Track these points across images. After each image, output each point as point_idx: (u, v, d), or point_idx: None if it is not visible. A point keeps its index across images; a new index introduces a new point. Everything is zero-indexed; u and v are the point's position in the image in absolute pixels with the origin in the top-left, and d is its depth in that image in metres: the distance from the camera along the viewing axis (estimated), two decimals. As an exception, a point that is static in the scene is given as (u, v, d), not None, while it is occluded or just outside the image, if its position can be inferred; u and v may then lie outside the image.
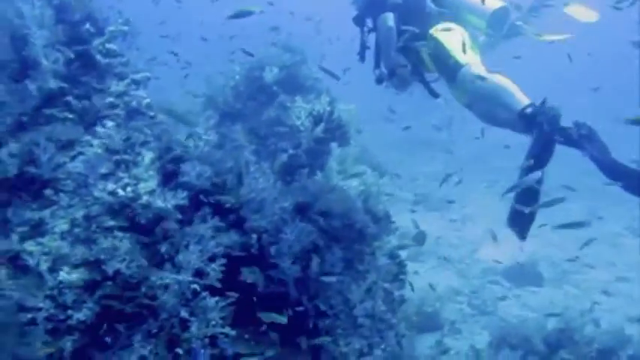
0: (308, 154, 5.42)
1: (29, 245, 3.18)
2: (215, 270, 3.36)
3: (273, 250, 3.73)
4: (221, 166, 3.90)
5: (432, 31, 3.78)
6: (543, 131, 2.97)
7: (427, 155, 17.23)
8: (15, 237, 3.24)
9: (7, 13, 4.22)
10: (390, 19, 3.91)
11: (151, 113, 4.25)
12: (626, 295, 8.50)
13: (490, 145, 12.95)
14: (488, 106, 3.42)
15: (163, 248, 3.36)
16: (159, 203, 3.36)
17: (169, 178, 3.82)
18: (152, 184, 3.72)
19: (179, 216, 3.46)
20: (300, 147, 5.48)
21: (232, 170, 3.93)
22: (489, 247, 10.26)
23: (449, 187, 14.57)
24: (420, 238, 6.48)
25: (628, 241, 11.07)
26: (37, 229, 3.29)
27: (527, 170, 3.00)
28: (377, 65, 4.23)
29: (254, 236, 3.81)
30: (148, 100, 4.20)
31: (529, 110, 3.13)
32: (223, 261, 3.40)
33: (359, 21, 4.36)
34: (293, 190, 4.16)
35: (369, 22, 4.31)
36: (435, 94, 4.06)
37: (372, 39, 4.34)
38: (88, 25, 4.30)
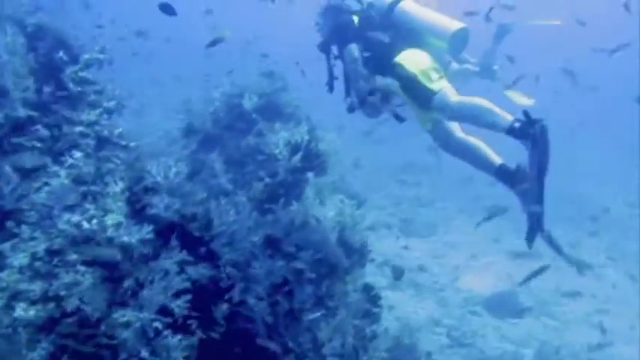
0: (285, 184, 5.38)
1: (-14, 281, 3.08)
2: (180, 307, 3.28)
3: (241, 285, 3.67)
4: (191, 198, 3.84)
5: (397, 59, 3.80)
6: (537, 140, 3.13)
7: (413, 178, 17.22)
8: (-27, 272, 3.14)
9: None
10: (354, 49, 3.93)
11: (123, 142, 4.19)
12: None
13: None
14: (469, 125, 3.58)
15: (127, 283, 3.27)
16: (124, 238, 3.29)
17: (138, 210, 3.76)
18: (120, 216, 3.66)
19: (144, 250, 3.38)
20: (277, 176, 5.44)
21: (203, 202, 3.87)
22: (471, 275, 10.26)
23: (433, 212, 14.67)
24: (398, 274, 6.31)
25: (610, 271, 11.10)
26: (-4, 263, 3.20)
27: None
28: (347, 94, 4.24)
29: (224, 270, 3.75)
30: (119, 130, 4.15)
31: (517, 125, 3.27)
32: (188, 297, 3.32)
33: (324, 48, 4.37)
34: (265, 222, 4.10)
35: (334, 50, 4.33)
36: (400, 119, 4.12)
37: (339, 67, 4.36)
38: (61, 53, 4.26)
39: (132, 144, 4.43)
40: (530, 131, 3.18)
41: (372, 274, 9.45)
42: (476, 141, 3.71)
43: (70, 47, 4.41)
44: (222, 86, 6.47)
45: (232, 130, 6.13)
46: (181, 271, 3.54)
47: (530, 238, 3.38)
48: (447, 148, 3.84)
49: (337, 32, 4.16)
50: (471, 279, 10.06)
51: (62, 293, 3.08)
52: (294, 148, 5.54)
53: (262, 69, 6.87)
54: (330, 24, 4.27)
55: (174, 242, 3.60)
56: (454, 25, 3.79)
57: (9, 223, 3.35)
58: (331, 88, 4.47)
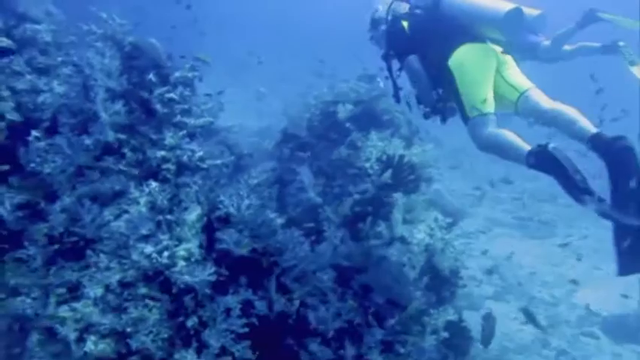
0: (373, 201, 5.15)
1: (63, 311, 3.25)
2: (240, 351, 3.25)
3: (311, 324, 3.56)
4: (264, 229, 3.77)
5: (450, 63, 3.60)
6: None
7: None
8: (53, 299, 3.33)
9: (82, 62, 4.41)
10: (414, 61, 3.80)
11: (204, 165, 4.21)
12: None
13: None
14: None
15: (190, 323, 3.29)
16: (186, 278, 3.29)
17: (211, 241, 3.77)
18: (193, 245, 3.69)
19: (208, 291, 3.37)
20: (367, 193, 5.22)
21: (274, 234, 3.79)
22: (590, 289, 9.34)
23: (554, 209, 13.55)
24: (487, 337, 5.22)
25: None
26: (74, 293, 3.37)
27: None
28: (419, 102, 4.03)
29: (293, 306, 3.66)
30: (200, 154, 4.17)
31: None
32: (248, 342, 3.27)
33: (385, 58, 4.18)
34: (338, 254, 3.93)
35: (396, 61, 4.14)
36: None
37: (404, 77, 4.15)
38: (151, 75, 4.35)
39: (217, 162, 4.45)
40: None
41: (476, 281, 8.97)
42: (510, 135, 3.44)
43: (161, 67, 4.49)
44: (319, 91, 6.32)
45: (325, 139, 5.98)
46: (247, 308, 3.50)
47: None
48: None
49: (392, 43, 4.03)
50: (590, 293, 9.14)
51: (129, 330, 3.17)
52: (386, 163, 5.27)
53: (362, 71, 6.62)
54: (385, 35, 4.11)
55: (242, 279, 3.57)
56: (503, 8, 3.51)
57: (88, 252, 3.50)
58: (398, 99, 4.28)
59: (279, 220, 4.21)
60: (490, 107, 3.52)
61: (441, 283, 4.79)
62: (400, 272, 3.99)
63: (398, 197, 5.04)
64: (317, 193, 5.49)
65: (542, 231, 12.04)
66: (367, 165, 5.41)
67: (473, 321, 7.95)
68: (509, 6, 3.52)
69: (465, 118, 3.56)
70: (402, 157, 5.25)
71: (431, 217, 5.43)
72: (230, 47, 20.49)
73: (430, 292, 4.58)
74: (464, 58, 3.59)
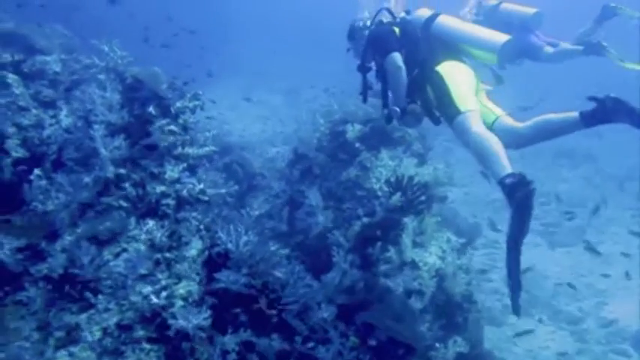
0: (382, 225, 5.03)
1: (61, 356, 3.24)
2: (236, 395, 3.18)
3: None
4: (262, 266, 3.70)
5: (438, 68, 3.72)
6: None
7: (566, 170, 15.48)
8: (52, 343, 3.32)
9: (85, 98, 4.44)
10: (398, 58, 3.76)
11: (205, 198, 4.17)
12: None
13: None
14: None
15: (186, 367, 3.24)
16: (181, 323, 3.24)
17: (211, 276, 3.73)
18: (193, 283, 3.65)
19: (203, 335, 3.31)
20: (375, 216, 5.11)
21: (274, 270, 3.71)
22: (621, 301, 8.99)
23: (584, 214, 13.15)
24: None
25: None
26: (72, 335, 3.35)
27: None
28: (385, 105, 4.02)
29: (296, 343, 3.58)
30: (200, 187, 4.13)
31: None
32: (245, 386, 3.20)
33: (361, 68, 4.19)
34: (341, 288, 3.84)
35: (373, 65, 4.18)
36: (437, 123, 3.93)
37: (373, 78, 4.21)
38: (151, 108, 4.33)
39: (221, 191, 4.41)
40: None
41: (498, 295, 8.74)
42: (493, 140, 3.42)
43: (162, 98, 4.47)
44: (328, 108, 6.24)
45: (335, 160, 5.89)
46: (246, 348, 3.44)
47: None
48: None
49: (377, 43, 4.00)
50: (621, 307, 8.78)
51: (124, 375, 3.14)
52: (395, 185, 5.15)
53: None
54: (367, 39, 4.12)
55: (242, 317, 3.51)
56: (502, 37, 3.70)
57: (87, 294, 3.48)
58: (365, 99, 4.31)
59: (283, 252, 4.14)
60: (477, 106, 3.61)
61: (453, 309, 4.64)
62: (404, 307, 3.87)
63: (408, 221, 4.91)
64: (326, 216, 5.41)
65: (570, 238, 11.67)
66: (376, 187, 5.30)
67: (495, 337, 7.77)
68: (505, 38, 3.67)
69: (455, 114, 3.54)
70: (411, 178, 5.12)
71: (443, 238, 5.28)
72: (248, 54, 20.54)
73: (441, 320, 4.45)
74: (453, 66, 3.73)
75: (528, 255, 10.23)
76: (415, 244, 5.05)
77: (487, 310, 7.72)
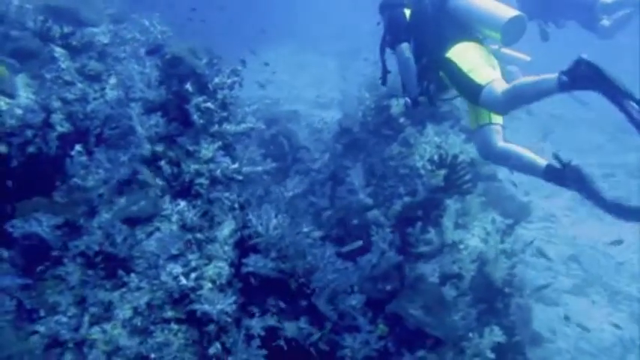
0: (424, 205, 4.87)
1: (95, 332, 3.34)
2: (260, 381, 3.20)
3: (338, 352, 3.44)
4: (292, 250, 3.66)
5: (448, 54, 3.59)
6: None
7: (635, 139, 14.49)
8: (86, 319, 3.44)
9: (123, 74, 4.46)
10: (405, 49, 3.78)
11: (240, 177, 4.14)
12: None
13: None
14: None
15: (212, 350, 3.28)
16: (206, 307, 3.26)
17: (241, 258, 3.73)
18: (223, 263, 3.66)
19: (228, 319, 3.33)
20: (417, 195, 4.95)
21: (304, 254, 3.67)
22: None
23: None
24: None
25: None
26: (106, 313, 3.45)
27: None
28: (403, 91, 4.01)
29: (324, 329, 3.55)
30: (234, 166, 4.09)
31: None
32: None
33: (380, 46, 4.17)
34: (374, 277, 3.75)
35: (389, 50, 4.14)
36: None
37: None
38: (188, 85, 4.30)
39: (258, 168, 4.37)
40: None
41: (552, 272, 8.41)
42: (517, 148, 3.47)
43: (199, 75, 4.42)
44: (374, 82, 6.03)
45: (379, 135, 5.72)
46: (273, 332, 3.44)
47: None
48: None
49: (390, 29, 3.98)
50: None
51: (153, 356, 3.21)
52: (439, 164, 4.95)
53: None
54: (386, 19, 4.07)
55: (270, 301, 3.50)
56: (507, 14, 3.46)
57: (120, 272, 3.56)
58: (384, 82, 4.35)
59: (316, 234, 4.08)
60: (498, 73, 3.50)
61: (493, 294, 4.47)
62: (436, 296, 3.74)
63: (451, 202, 4.72)
64: (367, 194, 5.29)
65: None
66: (419, 164, 5.12)
67: (546, 317, 7.50)
68: (512, 13, 3.45)
69: (478, 90, 3.39)
70: (455, 156, 4.89)
71: (487, 219, 5.07)
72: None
73: (479, 305, 4.29)
74: (463, 49, 3.58)
75: (589, 231, 9.76)
76: (457, 226, 4.88)
77: (538, 289, 7.44)
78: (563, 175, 3.12)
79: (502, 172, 6.04)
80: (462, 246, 4.68)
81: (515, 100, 3.25)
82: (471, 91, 3.43)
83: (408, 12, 3.93)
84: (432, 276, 3.97)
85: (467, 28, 3.68)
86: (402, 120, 5.59)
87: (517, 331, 4.48)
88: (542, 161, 3.31)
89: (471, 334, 3.72)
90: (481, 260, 4.57)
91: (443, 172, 4.85)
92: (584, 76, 2.84)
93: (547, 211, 10.54)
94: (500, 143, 3.55)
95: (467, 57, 3.53)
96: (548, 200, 10.71)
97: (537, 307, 7.41)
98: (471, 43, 3.62)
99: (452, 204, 4.72)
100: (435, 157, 4.91)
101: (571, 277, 8.45)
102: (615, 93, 2.76)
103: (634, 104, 2.74)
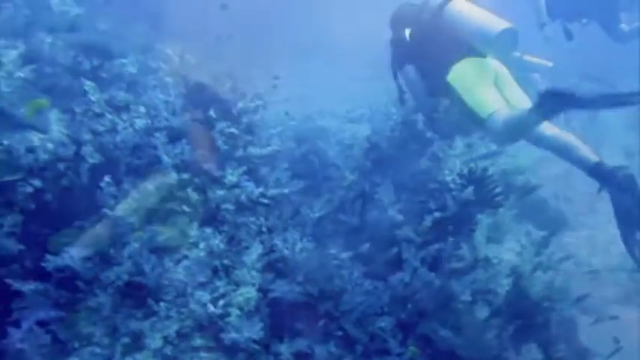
0: (454, 219, 4.76)
1: (126, 362, 3.38)
2: (290, 410, 3.16)
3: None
4: (319, 273, 3.62)
5: (449, 78, 3.58)
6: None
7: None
8: (119, 349, 3.47)
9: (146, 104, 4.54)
10: (409, 72, 3.88)
11: (265, 201, 4.14)
12: None
13: None
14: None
15: (241, 378, 3.26)
16: (233, 335, 3.25)
17: (269, 283, 3.72)
18: (252, 289, 3.65)
19: (256, 346, 3.30)
20: (447, 210, 4.84)
21: (331, 277, 3.63)
22: None
23: None
24: None
25: None
26: (137, 343, 3.48)
27: None
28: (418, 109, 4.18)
29: (356, 353, 3.49)
30: (259, 190, 4.10)
31: None
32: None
33: (392, 63, 4.30)
34: (405, 296, 3.68)
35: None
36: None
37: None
38: (211, 111, 4.35)
39: (284, 191, 4.37)
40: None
41: (597, 282, 8.06)
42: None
43: (223, 101, 4.48)
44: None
45: (407, 150, 5.64)
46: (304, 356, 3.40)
47: None
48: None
49: (393, 51, 4.09)
50: None
51: (182, 385, 3.22)
52: (469, 177, 4.84)
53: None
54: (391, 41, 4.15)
55: (298, 325, 3.47)
56: (497, 26, 3.43)
57: (150, 301, 3.59)
58: (402, 102, 4.52)
59: (345, 255, 4.04)
60: (500, 103, 3.46)
61: (531, 309, 4.32)
62: (467, 316, 3.63)
63: (482, 216, 4.60)
64: (397, 210, 5.21)
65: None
66: (449, 179, 5.02)
67: (587, 329, 7.18)
68: (503, 25, 3.40)
69: (481, 122, 3.45)
70: (485, 169, 4.78)
71: (521, 232, 4.92)
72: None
73: (516, 321, 4.16)
74: (462, 72, 3.56)
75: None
76: (490, 240, 4.75)
77: (582, 300, 7.15)
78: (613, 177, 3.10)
79: (536, 180, 5.84)
80: (495, 261, 4.55)
81: (514, 132, 3.31)
82: (475, 120, 3.50)
83: (407, 32, 3.95)
84: (464, 294, 3.86)
85: (464, 42, 3.64)
86: (429, 135, 5.51)
87: (559, 347, 4.32)
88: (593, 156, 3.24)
89: (506, 354, 3.60)
90: (516, 275, 4.43)
91: (473, 186, 4.74)
92: (553, 108, 2.90)
93: (588, 219, 10.17)
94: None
95: (466, 82, 3.53)
96: (589, 208, 10.33)
97: (583, 320, 7.12)
98: (470, 60, 3.58)
99: (484, 218, 4.60)
100: (465, 171, 4.81)
101: (618, 286, 8.08)
102: (588, 102, 2.76)
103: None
